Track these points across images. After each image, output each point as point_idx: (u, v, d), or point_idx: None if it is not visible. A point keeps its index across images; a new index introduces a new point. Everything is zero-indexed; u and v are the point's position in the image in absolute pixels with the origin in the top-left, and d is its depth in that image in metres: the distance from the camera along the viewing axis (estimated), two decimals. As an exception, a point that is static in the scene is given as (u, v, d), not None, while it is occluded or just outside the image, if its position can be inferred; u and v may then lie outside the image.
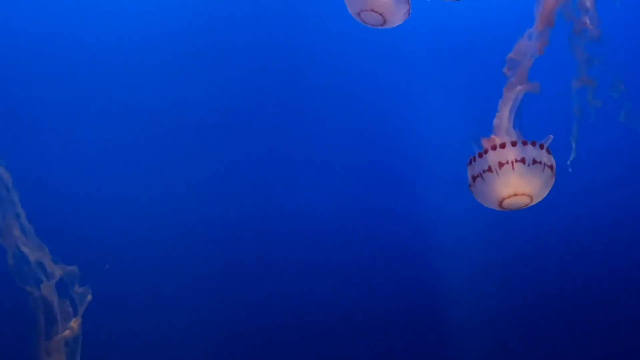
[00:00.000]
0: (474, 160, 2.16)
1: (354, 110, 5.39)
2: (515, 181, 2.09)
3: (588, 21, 2.24)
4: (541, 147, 2.11)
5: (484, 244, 5.30)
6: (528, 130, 2.39)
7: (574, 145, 2.58)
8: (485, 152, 2.13)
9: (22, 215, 3.02)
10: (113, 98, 5.14)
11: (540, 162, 2.08)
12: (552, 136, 2.16)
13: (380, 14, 2.51)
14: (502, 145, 2.10)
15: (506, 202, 2.16)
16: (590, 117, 2.57)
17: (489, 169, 2.10)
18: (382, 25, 2.64)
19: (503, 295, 5.43)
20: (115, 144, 5.18)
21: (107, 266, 5.04)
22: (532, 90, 2.21)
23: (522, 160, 2.07)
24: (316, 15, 5.23)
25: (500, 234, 5.17)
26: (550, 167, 2.13)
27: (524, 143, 2.11)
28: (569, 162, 2.61)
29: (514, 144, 2.11)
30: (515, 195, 2.12)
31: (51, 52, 5.06)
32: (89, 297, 2.82)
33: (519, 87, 2.17)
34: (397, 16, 2.61)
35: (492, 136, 2.33)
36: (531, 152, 2.09)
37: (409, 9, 2.51)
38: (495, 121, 2.35)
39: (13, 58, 5.02)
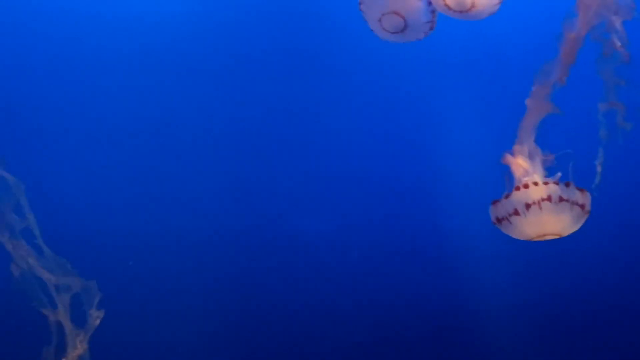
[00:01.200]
0: (498, 202, 2.13)
1: (375, 127, 5.38)
2: (543, 221, 2.04)
3: (617, 43, 2.16)
4: (567, 184, 2.06)
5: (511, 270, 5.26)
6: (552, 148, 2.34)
7: (599, 169, 2.49)
8: (510, 193, 2.09)
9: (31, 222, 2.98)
10: (123, 114, 5.16)
11: (567, 200, 2.01)
12: (560, 174, 2.10)
13: (403, 18, 2.39)
14: (526, 186, 2.05)
15: (535, 239, 2.15)
16: (618, 140, 2.50)
17: (515, 212, 2.07)
18: (401, 31, 2.55)
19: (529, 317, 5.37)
20: (118, 153, 5.20)
21: (130, 263, 5.06)
22: (553, 112, 2.15)
23: (549, 199, 2.01)
24: (332, 25, 5.21)
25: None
26: (582, 205, 2.08)
27: (547, 182, 2.07)
28: (593, 186, 2.53)
29: (536, 184, 2.06)
30: (545, 235, 2.09)
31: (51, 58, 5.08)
32: (97, 318, 2.77)
33: (540, 111, 2.11)
34: (419, 25, 2.52)
35: (515, 156, 2.29)
36: (556, 190, 2.04)
37: (433, 22, 2.39)
38: (517, 140, 2.31)
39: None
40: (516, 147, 2.32)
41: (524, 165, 2.17)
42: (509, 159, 2.32)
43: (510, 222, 2.09)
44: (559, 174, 2.15)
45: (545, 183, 2.06)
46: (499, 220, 2.14)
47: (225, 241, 5.34)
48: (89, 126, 5.13)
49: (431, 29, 2.57)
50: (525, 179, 2.09)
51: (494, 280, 5.39)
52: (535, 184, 2.05)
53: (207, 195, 5.33)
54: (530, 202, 2.03)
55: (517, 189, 2.07)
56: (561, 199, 2.02)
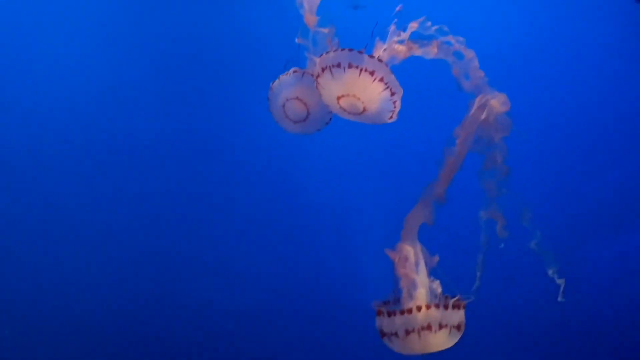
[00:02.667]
0: (383, 315, 2.21)
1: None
2: (423, 344, 2.15)
3: (498, 157, 2.28)
4: (446, 307, 2.17)
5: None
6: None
7: (478, 274, 2.57)
8: (393, 312, 2.20)
9: None
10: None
11: (446, 326, 2.13)
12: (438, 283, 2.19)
13: (307, 107, 2.46)
14: (409, 311, 2.14)
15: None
16: (499, 245, 2.59)
17: (396, 334, 2.18)
18: (304, 120, 2.61)
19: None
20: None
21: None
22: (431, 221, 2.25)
23: (429, 327, 2.10)
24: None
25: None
26: (457, 327, 2.20)
27: (428, 307, 2.16)
28: (472, 290, 2.60)
29: (419, 308, 2.15)
30: (424, 352, 2.20)
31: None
32: None
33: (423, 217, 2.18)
34: (322, 116, 2.58)
35: (399, 253, 2.35)
36: (437, 317, 2.15)
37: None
38: (402, 238, 2.38)
39: None
40: (401, 245, 2.39)
41: (409, 272, 2.23)
42: (394, 256, 2.37)
43: (391, 340, 2.21)
44: (438, 282, 2.23)
45: (427, 307, 2.15)
46: (383, 333, 2.24)
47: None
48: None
49: (326, 123, 2.65)
50: (409, 301, 2.17)
51: None
52: (419, 308, 2.14)
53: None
54: (410, 329, 2.13)
55: (402, 312, 2.16)
56: (440, 326, 2.10)
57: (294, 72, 2.57)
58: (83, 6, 5.25)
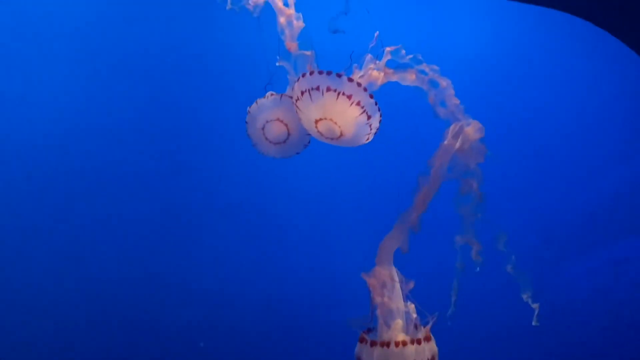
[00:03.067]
0: (365, 343, 2.24)
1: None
2: None
3: (474, 183, 2.30)
4: (417, 342, 2.18)
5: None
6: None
7: (454, 299, 2.58)
8: (374, 342, 2.23)
9: None
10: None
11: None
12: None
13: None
14: (388, 345, 2.18)
15: None
16: (475, 269, 2.61)
17: None
18: (283, 142, 2.62)
19: None
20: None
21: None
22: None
23: None
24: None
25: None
26: (432, 358, 2.24)
27: (404, 343, 2.19)
28: (448, 315, 2.62)
29: (397, 344, 2.20)
30: None
31: None
32: None
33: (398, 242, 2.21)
34: (302, 138, 2.59)
35: (375, 278, 2.36)
36: (412, 354, 2.19)
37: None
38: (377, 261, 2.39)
39: None
40: (376, 270, 2.39)
41: (385, 300, 2.24)
42: (371, 282, 2.38)
43: None
44: (413, 307, 2.24)
45: (404, 343, 2.18)
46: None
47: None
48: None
49: (305, 146, 2.66)
50: (385, 330, 2.18)
51: None
52: (396, 344, 2.18)
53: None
54: None
55: (381, 345, 2.20)
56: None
57: (272, 95, 2.59)
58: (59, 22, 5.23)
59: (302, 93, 2.25)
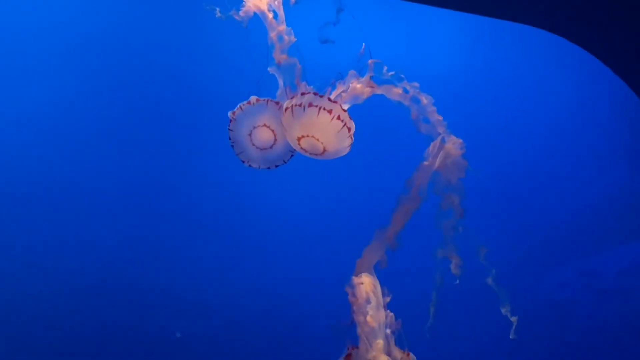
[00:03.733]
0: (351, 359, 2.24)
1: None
2: None
3: (455, 199, 2.34)
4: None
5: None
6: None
7: (432, 310, 2.61)
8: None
9: None
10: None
11: None
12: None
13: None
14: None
15: None
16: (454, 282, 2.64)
17: None
18: (270, 148, 2.59)
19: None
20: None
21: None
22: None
23: None
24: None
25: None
26: None
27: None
28: (427, 327, 2.65)
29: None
30: None
31: None
32: None
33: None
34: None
35: (356, 292, 2.37)
36: None
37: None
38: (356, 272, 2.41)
39: None
40: (355, 279, 2.40)
41: (368, 319, 2.24)
42: (352, 299, 2.38)
43: None
44: (392, 316, 2.26)
45: None
46: None
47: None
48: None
49: (292, 154, 2.65)
50: (367, 347, 2.18)
51: None
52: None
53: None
54: None
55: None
56: None
57: (257, 100, 2.56)
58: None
59: (286, 110, 2.29)
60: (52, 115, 5.24)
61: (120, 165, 5.40)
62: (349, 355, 2.25)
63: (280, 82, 2.50)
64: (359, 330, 2.26)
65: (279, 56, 2.42)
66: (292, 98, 2.28)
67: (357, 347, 2.28)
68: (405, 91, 2.29)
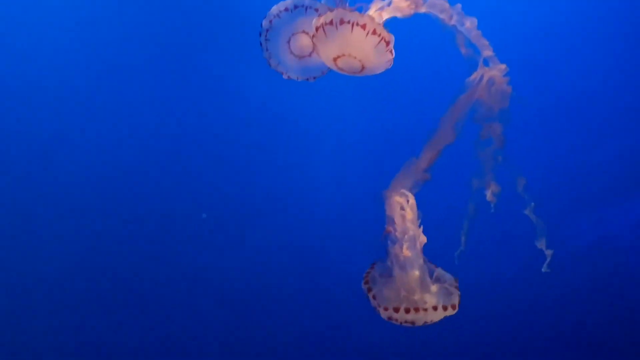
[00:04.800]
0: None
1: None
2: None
3: (497, 128, 2.26)
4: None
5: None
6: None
7: (463, 239, 2.58)
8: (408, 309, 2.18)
9: None
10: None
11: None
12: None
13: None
14: (425, 310, 2.17)
15: None
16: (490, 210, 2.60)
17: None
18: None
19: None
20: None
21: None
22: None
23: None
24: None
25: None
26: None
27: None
28: (457, 254, 2.63)
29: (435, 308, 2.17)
30: None
31: None
32: None
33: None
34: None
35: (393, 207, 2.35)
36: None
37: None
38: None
39: None
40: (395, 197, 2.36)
41: (405, 252, 2.22)
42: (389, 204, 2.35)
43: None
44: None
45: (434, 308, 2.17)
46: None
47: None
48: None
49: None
50: (402, 276, 2.14)
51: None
52: (435, 308, 2.16)
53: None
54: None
55: (416, 310, 2.17)
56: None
57: (295, 7, 2.43)
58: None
59: (317, 29, 2.18)
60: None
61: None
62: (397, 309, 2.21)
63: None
64: (391, 259, 2.23)
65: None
66: (320, 16, 2.16)
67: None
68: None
